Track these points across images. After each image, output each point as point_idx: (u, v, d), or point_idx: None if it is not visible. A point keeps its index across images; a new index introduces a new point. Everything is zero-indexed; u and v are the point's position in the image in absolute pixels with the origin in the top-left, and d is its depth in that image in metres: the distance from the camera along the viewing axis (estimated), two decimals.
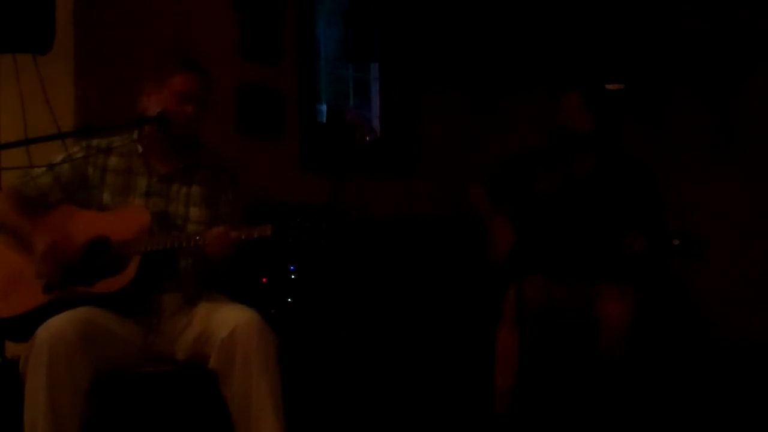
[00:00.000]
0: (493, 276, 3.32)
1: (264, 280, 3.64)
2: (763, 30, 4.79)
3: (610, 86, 4.87)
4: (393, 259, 4.45)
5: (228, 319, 2.47)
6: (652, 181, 3.31)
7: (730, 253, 4.76)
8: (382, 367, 3.81)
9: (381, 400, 3.64)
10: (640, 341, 3.19)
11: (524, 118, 5.20)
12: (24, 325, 2.43)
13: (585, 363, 3.30)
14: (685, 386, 4.03)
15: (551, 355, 3.34)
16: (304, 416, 2.83)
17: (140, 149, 2.68)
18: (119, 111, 2.88)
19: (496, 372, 3.25)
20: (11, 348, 2.86)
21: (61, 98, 3.26)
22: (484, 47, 5.38)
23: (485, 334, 3.33)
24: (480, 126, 5.38)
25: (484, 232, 3.38)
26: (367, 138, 4.90)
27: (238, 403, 2.43)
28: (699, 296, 4.67)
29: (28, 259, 2.57)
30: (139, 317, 2.57)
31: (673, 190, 4.09)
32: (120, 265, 2.49)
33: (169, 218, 2.62)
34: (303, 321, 3.67)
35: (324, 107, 4.76)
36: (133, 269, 2.48)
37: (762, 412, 3.65)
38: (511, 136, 5.17)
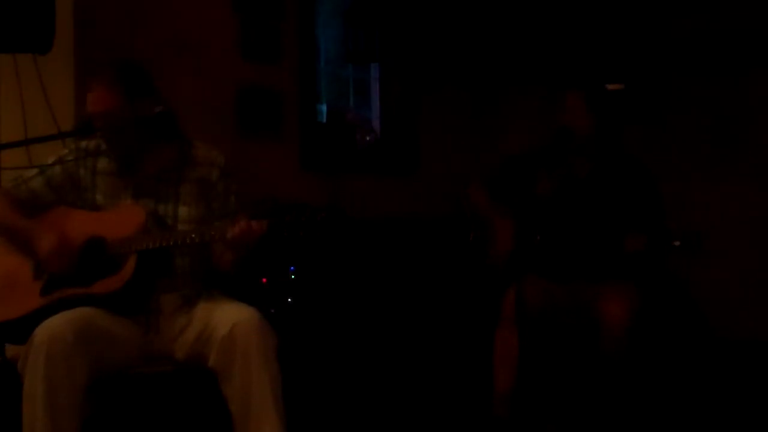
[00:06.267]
0: (492, 277, 3.32)
1: (264, 280, 3.64)
2: (763, 30, 4.79)
3: (610, 86, 4.87)
4: (393, 260, 4.45)
5: (227, 317, 2.47)
6: (651, 180, 3.32)
7: (730, 253, 4.76)
8: (381, 368, 3.81)
9: (380, 401, 3.63)
10: (641, 341, 3.18)
11: (524, 118, 5.20)
12: (23, 328, 2.42)
13: (585, 363, 3.30)
14: (685, 386, 4.02)
15: (551, 356, 3.33)
16: (305, 417, 2.83)
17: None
18: None
19: (495, 374, 3.25)
20: (11, 348, 2.86)
21: (61, 98, 3.26)
22: (484, 47, 5.38)
23: (484, 336, 3.33)
24: (480, 126, 5.38)
25: (483, 233, 3.38)
26: (367, 138, 4.90)
27: (238, 401, 2.42)
28: (700, 295, 4.67)
29: (24, 260, 2.57)
30: (138, 317, 2.56)
31: (675, 190, 4.07)
32: (117, 265, 2.48)
33: (159, 218, 2.60)
34: (303, 321, 3.67)
35: (324, 107, 4.76)
36: (130, 268, 2.47)
37: (763, 410, 3.65)
38: (511, 136, 5.18)
